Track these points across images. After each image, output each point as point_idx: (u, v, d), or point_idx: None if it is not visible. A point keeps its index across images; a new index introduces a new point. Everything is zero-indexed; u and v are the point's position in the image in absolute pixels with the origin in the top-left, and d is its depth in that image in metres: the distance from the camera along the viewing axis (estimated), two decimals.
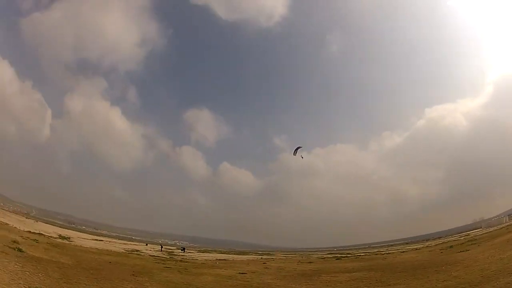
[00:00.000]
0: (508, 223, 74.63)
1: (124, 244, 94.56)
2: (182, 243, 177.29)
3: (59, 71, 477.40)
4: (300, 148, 61.31)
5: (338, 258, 70.78)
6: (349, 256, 75.83)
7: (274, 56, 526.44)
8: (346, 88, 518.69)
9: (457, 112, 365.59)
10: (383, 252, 79.29)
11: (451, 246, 55.37)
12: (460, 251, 42.70)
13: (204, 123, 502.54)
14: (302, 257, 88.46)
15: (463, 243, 56.17)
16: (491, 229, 72.58)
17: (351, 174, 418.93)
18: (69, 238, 66.97)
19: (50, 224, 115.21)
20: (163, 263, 46.33)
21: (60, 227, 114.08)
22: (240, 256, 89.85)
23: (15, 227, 56.07)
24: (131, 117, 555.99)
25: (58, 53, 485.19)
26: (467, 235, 76.78)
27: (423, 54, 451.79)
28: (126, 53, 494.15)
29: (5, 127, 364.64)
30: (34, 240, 43.30)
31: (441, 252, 49.53)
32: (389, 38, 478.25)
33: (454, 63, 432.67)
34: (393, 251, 79.73)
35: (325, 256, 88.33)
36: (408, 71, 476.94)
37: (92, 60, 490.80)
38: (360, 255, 76.25)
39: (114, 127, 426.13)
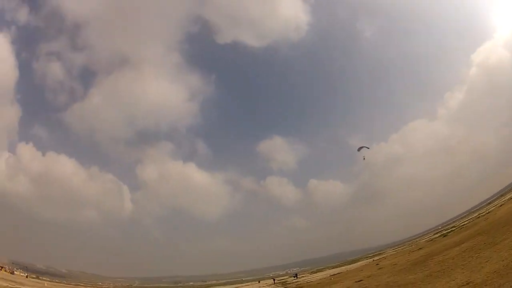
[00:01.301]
0: None
1: (236, 287, 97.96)
2: (293, 270, 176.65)
3: (119, 148, 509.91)
4: (364, 148, 60.49)
5: (445, 236, 69.97)
6: (454, 230, 74.41)
7: (315, 63, 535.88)
8: (393, 66, 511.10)
9: (497, 47, 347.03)
10: (484, 213, 76.28)
11: None
12: None
13: (279, 149, 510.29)
14: (412, 246, 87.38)
15: None
16: None
17: (431, 148, 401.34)
18: None
19: None
20: None
21: None
22: (352, 265, 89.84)
23: None
24: (207, 167, 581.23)
25: (112, 133, 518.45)
26: None
27: (448, 7, 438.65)
28: (180, 111, 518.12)
29: (87, 214, 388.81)
30: None
31: None
32: (415, 4, 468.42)
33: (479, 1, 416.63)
34: (492, 208, 76.89)
35: (432, 237, 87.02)
36: (442, 27, 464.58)
37: (150, 128, 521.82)
38: (464, 225, 74.26)
39: (195, 182, 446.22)
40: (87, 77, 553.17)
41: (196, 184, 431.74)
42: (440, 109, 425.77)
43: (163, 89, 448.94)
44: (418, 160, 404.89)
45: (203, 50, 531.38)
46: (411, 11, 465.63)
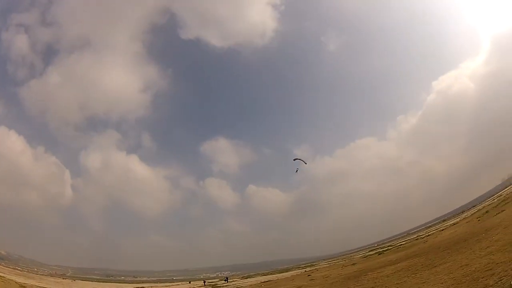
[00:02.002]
0: None
1: (167, 286, 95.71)
2: (224, 274, 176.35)
3: (68, 132, 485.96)
4: (299, 161, 56.99)
5: (380, 253, 70.83)
6: (390, 248, 75.79)
7: (276, 71, 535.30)
8: (351, 84, 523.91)
9: (462, 76, 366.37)
10: (423, 236, 79.08)
11: (486, 211, 55.49)
12: (496, 214, 43.05)
13: (223, 151, 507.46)
14: (345, 260, 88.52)
15: (497, 205, 56.38)
16: None
17: (376, 167, 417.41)
18: None
19: (88, 280, 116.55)
20: None
21: (98, 281, 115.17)
22: (284, 273, 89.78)
23: None
24: (150, 162, 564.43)
25: (64, 115, 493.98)
26: (499, 196, 76.62)
27: (417, 30, 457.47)
28: (132, 101, 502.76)
29: (27, 195, 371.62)
30: None
31: (478, 220, 49.58)
32: (382, 23, 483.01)
33: (448, 31, 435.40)
34: (433, 231, 79.49)
35: (367, 253, 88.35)
36: (408, 50, 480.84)
37: (100, 115, 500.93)
38: (401, 245, 76.11)
39: (135, 175, 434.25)
40: (49, 54, 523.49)
41: (137, 177, 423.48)
42: (391, 131, 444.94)
43: (119, 78, 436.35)
44: (362, 176, 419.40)
45: (165, 43, 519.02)
46: (379, 30, 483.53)
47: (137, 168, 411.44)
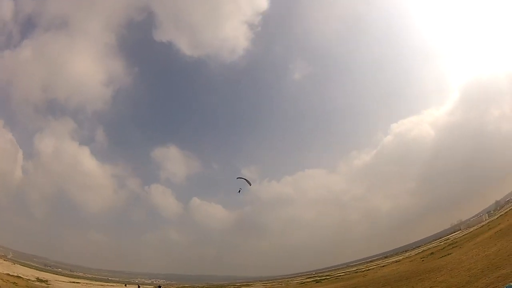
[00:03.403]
0: (488, 220, 75.88)
1: (101, 285, 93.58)
2: (158, 281, 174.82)
3: (28, 111, 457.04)
4: (244, 180, 54.31)
5: (317, 281, 69.51)
6: (328, 278, 74.94)
7: (238, 90, 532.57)
8: (310, 114, 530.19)
9: (424, 123, 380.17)
10: (363, 269, 78.63)
11: (432, 253, 55.20)
12: (442, 256, 42.49)
13: (172, 160, 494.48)
14: (281, 284, 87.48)
15: (443, 248, 56.33)
16: (471, 229, 73.55)
17: (322, 198, 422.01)
18: (47, 281, 66.04)
19: (27, 266, 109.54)
20: None
21: (36, 269, 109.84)
22: None
23: None
24: (100, 157, 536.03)
25: (28, 92, 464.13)
26: (446, 239, 77.63)
27: (384, 72, 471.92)
28: (93, 92, 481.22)
29: None
30: (14, 283, 43.35)
31: (422, 261, 49.21)
32: (350, 61, 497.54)
33: (416, 76, 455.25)
34: (373, 266, 79.61)
35: (304, 280, 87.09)
36: (371, 90, 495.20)
37: (60, 100, 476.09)
38: (339, 276, 75.26)
39: (84, 168, 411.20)
40: (27, 27, 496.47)
41: (85, 170, 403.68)
42: (341, 165, 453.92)
43: (86, 66, 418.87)
44: (306, 205, 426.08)
45: (138, 40, 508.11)
46: (347, 67, 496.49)
47: (87, 161, 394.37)
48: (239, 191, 53.65)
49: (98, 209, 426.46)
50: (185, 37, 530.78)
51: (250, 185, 55.42)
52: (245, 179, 53.77)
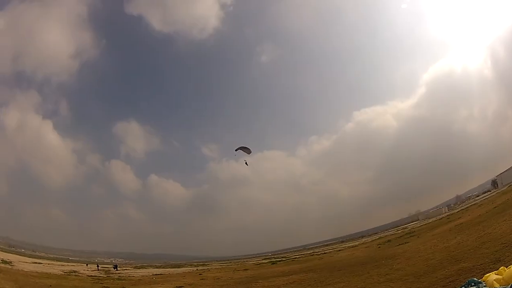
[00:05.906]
0: (448, 213, 78.71)
1: (62, 265, 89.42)
2: (117, 261, 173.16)
3: None
4: (243, 151, 52.98)
5: (273, 263, 70.28)
6: (284, 260, 75.98)
7: (205, 69, 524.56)
8: (273, 97, 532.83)
9: (387, 113, 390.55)
10: (319, 253, 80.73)
11: (389, 241, 56.80)
12: (399, 244, 43.54)
13: (133, 135, 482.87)
14: (238, 265, 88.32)
15: (401, 236, 58.04)
16: (430, 220, 76.24)
17: (280, 180, 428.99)
18: (10, 262, 63.71)
19: None
20: (101, 283, 44.89)
21: (1, 251, 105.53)
22: (176, 269, 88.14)
23: None
24: (62, 131, 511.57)
25: None
26: (404, 228, 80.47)
27: (353, 62, 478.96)
28: (60, 64, 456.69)
29: None
30: None
31: (379, 247, 50.54)
32: (319, 48, 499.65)
33: (385, 69, 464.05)
34: (329, 250, 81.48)
35: (260, 261, 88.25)
36: (337, 78, 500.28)
37: (27, 72, 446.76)
38: (295, 258, 76.70)
39: (46, 142, 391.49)
40: None
41: (47, 144, 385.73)
42: (301, 148, 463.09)
43: (55, 37, 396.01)
44: (264, 187, 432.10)
45: (108, 12, 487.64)
46: (315, 53, 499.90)
47: (49, 135, 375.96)
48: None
49: (58, 184, 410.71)
50: (156, 12, 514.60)
51: (249, 153, 52.40)
52: (243, 148, 50.53)
